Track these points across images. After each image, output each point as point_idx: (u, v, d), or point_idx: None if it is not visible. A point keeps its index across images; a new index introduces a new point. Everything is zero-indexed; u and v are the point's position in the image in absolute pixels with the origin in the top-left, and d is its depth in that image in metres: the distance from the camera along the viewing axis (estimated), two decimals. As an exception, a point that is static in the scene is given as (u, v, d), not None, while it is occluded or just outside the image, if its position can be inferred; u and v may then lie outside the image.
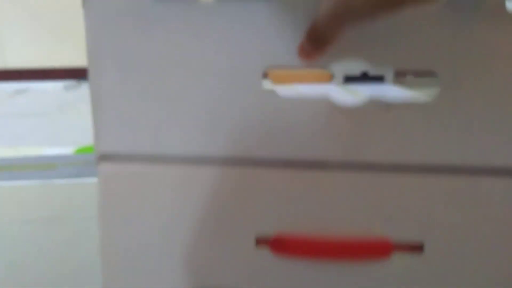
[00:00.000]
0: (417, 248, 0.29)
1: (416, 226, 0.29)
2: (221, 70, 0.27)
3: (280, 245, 0.29)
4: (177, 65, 0.27)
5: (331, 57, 0.26)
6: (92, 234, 0.44)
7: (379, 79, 0.35)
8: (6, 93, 0.81)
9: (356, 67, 0.33)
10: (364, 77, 0.35)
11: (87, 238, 0.44)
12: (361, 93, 0.30)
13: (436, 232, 0.29)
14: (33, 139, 0.66)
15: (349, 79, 0.35)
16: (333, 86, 0.32)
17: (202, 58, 0.27)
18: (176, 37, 0.26)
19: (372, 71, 0.33)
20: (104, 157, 0.29)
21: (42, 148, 0.63)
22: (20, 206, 0.50)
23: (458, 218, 0.28)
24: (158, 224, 0.29)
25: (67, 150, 0.62)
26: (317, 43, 0.24)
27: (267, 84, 0.27)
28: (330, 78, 0.35)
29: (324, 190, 0.29)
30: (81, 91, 0.81)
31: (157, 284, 0.30)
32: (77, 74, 0.83)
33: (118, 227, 0.30)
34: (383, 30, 0.26)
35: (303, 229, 0.29)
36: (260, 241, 0.29)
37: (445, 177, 0.28)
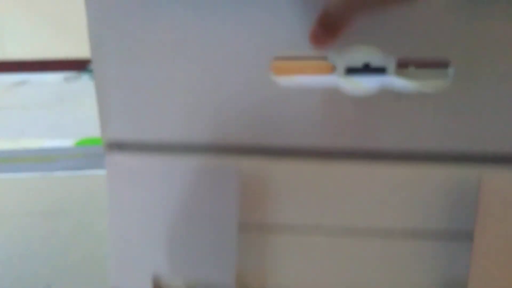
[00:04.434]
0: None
1: (420, 217, 0.28)
2: (228, 59, 0.26)
3: None
4: (182, 52, 0.26)
5: (342, 43, 0.25)
6: (93, 226, 0.43)
7: (381, 70, 0.35)
8: (6, 85, 0.81)
9: (360, 57, 0.32)
10: (366, 69, 0.35)
11: (88, 230, 0.43)
12: (369, 84, 0.29)
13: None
14: (33, 131, 0.65)
15: (351, 71, 0.35)
16: (340, 78, 0.31)
17: (209, 46, 0.26)
18: (181, 24, 0.26)
19: (378, 62, 0.33)
20: (111, 146, 0.29)
21: (42, 140, 0.62)
22: (21, 199, 0.50)
23: (464, 209, 0.28)
24: (164, 213, 0.29)
25: (67, 142, 0.62)
26: (329, 29, 0.24)
27: (272, 74, 0.27)
28: (331, 70, 0.35)
29: (331, 180, 0.28)
30: (82, 82, 0.80)
31: (161, 267, 0.29)
32: (77, 65, 0.83)
33: (126, 215, 0.29)
34: (392, 18, 0.25)
35: (304, 221, 0.28)
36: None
37: (453, 166, 0.28)
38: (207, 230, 0.28)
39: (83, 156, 0.58)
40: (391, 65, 0.31)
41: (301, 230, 0.29)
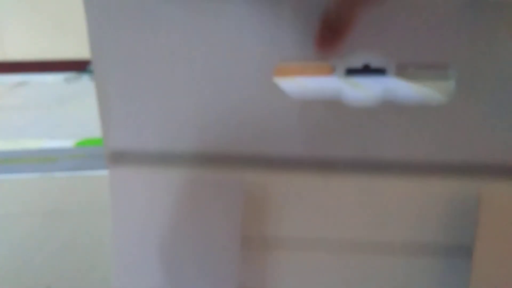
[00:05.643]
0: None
1: (422, 230, 0.28)
2: (230, 66, 0.26)
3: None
4: (184, 60, 0.26)
5: (346, 49, 0.25)
6: (93, 226, 0.43)
7: (381, 71, 0.34)
8: (6, 85, 0.81)
9: (360, 59, 0.32)
10: (366, 70, 0.35)
11: (88, 230, 0.43)
12: (373, 92, 0.29)
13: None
14: (33, 131, 0.65)
15: (351, 72, 0.34)
16: (343, 83, 0.31)
17: (210, 54, 0.26)
18: (182, 32, 0.25)
19: (378, 64, 0.33)
20: (114, 158, 0.29)
21: (42, 141, 0.62)
22: (21, 199, 0.50)
23: (466, 223, 0.28)
24: (166, 226, 0.29)
25: (67, 143, 0.62)
26: (333, 31, 0.23)
27: (275, 80, 0.26)
28: (331, 71, 0.34)
29: (331, 192, 0.28)
30: (82, 83, 0.80)
31: (166, 281, 0.29)
32: (77, 66, 0.83)
33: (128, 230, 0.29)
34: (394, 22, 0.25)
35: (306, 235, 0.28)
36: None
37: (455, 178, 0.28)
38: (209, 245, 0.28)
39: (84, 156, 0.58)
40: (391, 65, 0.31)
41: (302, 244, 0.29)
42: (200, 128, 0.27)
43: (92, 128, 0.64)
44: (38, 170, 0.56)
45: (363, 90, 0.30)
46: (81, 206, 0.48)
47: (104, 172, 0.30)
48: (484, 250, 0.27)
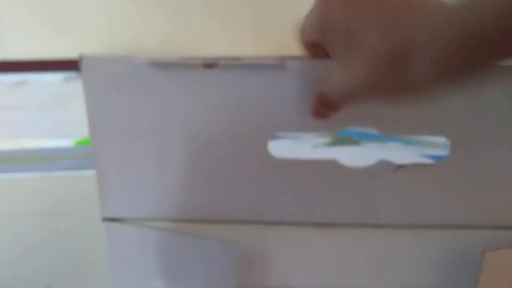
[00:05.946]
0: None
1: (417, 281, 0.28)
2: (226, 135, 0.26)
3: None
4: (179, 130, 0.26)
5: (340, 122, 0.25)
6: (93, 226, 0.43)
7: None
8: (6, 84, 0.81)
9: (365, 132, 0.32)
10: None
11: (88, 230, 0.43)
12: (369, 154, 0.29)
13: None
14: (32, 131, 0.65)
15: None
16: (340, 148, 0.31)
17: (206, 124, 0.26)
18: (177, 102, 0.25)
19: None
20: (110, 220, 0.29)
21: (42, 140, 0.62)
22: (20, 199, 0.50)
23: (464, 274, 0.28)
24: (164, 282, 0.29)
25: (67, 142, 0.62)
26: (328, 108, 0.25)
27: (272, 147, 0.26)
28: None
29: (331, 248, 0.28)
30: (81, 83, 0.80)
31: None
32: (77, 65, 0.83)
33: (126, 281, 0.29)
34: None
35: (304, 285, 0.29)
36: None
37: (449, 232, 0.28)
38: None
39: (83, 156, 0.58)
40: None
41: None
42: (194, 195, 0.27)
43: (91, 127, 0.64)
44: (37, 169, 0.56)
45: (360, 152, 0.31)
46: (80, 205, 0.48)
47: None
48: None
